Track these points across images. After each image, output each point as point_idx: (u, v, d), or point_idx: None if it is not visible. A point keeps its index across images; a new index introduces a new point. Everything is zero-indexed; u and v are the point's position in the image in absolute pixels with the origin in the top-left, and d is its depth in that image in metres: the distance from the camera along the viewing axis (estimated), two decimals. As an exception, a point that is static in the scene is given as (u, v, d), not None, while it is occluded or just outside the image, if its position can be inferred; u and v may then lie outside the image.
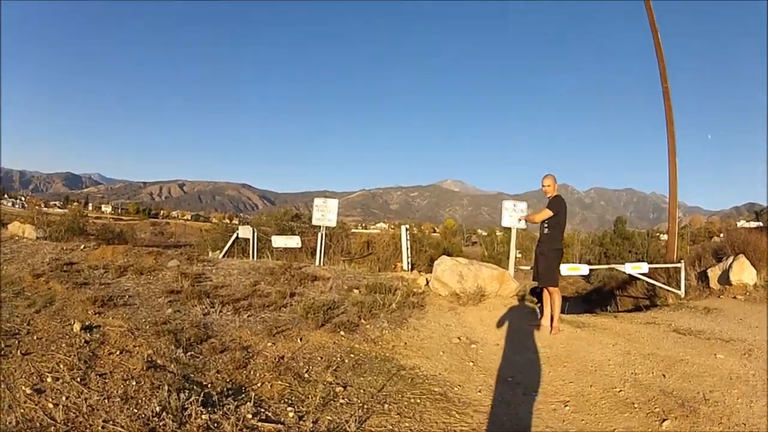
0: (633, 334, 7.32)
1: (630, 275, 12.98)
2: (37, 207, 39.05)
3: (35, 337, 4.88)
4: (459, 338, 6.59)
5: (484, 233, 60.65)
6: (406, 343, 6.21)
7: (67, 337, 4.97)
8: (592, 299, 19.47)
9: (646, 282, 12.27)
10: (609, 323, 8.15)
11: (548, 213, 7.12)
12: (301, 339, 5.87)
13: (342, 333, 6.23)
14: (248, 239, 13.41)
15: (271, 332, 5.94)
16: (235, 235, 14.00)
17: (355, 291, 8.44)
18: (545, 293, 7.32)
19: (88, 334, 5.11)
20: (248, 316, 6.72)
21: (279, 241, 12.70)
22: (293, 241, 12.59)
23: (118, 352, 4.69)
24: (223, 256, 13.22)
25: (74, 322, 5.38)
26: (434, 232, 76.96)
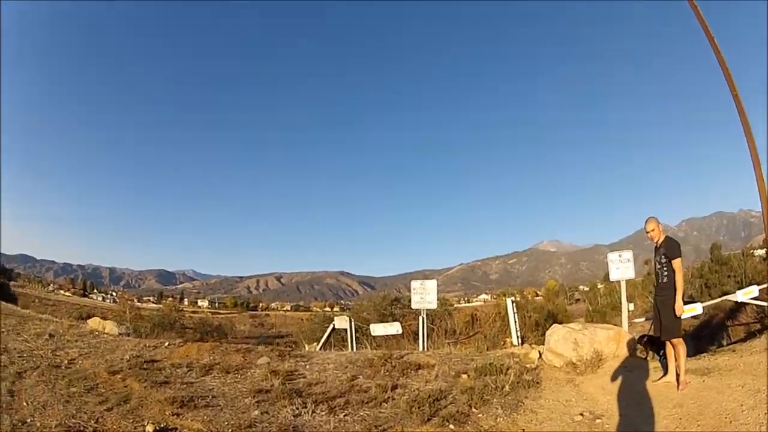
0: (757, 367, 7.30)
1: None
2: (129, 302, 41.30)
3: (101, 438, 4.83)
4: (581, 414, 6.23)
5: (586, 288, 61.17)
6: (523, 430, 5.83)
7: (138, 439, 4.87)
8: (702, 335, 18.94)
9: (755, 305, 12.16)
10: (731, 361, 8.05)
11: (679, 264, 7.01)
12: (404, 438, 5.48)
13: (451, 426, 5.85)
14: (346, 329, 13.32)
15: (370, 432, 5.59)
16: (331, 327, 13.98)
17: (464, 376, 8.12)
18: (668, 346, 7.16)
19: (161, 438, 4.99)
20: (344, 415, 6.42)
21: (378, 330, 12.63)
22: (393, 328, 12.56)
23: (191, 460, 4.51)
24: (320, 349, 13.14)
25: (147, 424, 5.31)
26: (537, 295, 76.89)
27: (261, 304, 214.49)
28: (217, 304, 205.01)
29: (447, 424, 5.88)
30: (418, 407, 6.32)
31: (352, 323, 13.23)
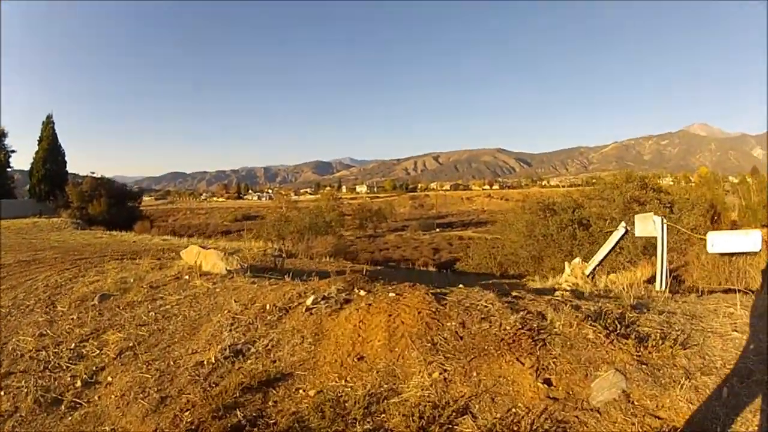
0: None
1: None
2: (285, 196, 41.14)
3: None
4: None
5: (735, 180, 59.22)
6: None
7: None
8: None
9: None
10: None
11: None
12: None
13: None
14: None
15: None
16: (622, 232, 7.70)
17: None
18: None
19: None
20: None
21: (724, 243, 6.19)
22: (749, 241, 6.01)
23: None
24: (594, 270, 7.23)
25: None
26: (689, 181, 76.61)
27: (420, 185, 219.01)
28: (375, 189, 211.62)
29: None
30: None
31: (665, 229, 6.82)
